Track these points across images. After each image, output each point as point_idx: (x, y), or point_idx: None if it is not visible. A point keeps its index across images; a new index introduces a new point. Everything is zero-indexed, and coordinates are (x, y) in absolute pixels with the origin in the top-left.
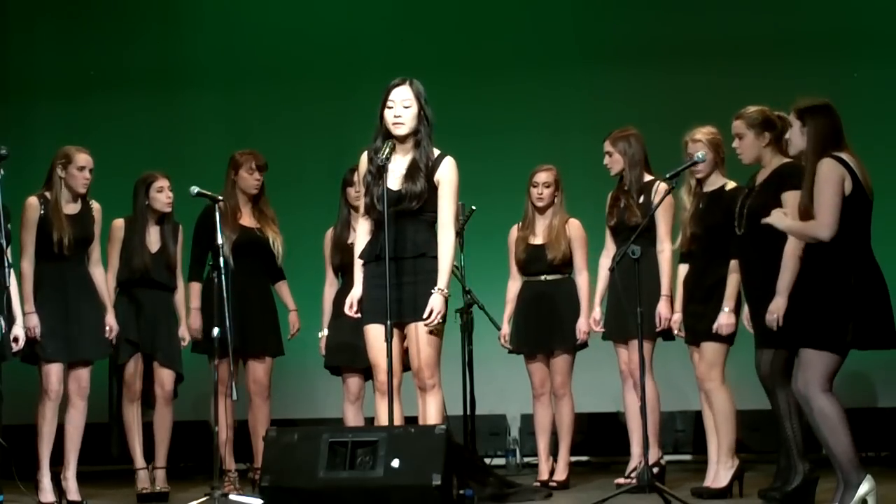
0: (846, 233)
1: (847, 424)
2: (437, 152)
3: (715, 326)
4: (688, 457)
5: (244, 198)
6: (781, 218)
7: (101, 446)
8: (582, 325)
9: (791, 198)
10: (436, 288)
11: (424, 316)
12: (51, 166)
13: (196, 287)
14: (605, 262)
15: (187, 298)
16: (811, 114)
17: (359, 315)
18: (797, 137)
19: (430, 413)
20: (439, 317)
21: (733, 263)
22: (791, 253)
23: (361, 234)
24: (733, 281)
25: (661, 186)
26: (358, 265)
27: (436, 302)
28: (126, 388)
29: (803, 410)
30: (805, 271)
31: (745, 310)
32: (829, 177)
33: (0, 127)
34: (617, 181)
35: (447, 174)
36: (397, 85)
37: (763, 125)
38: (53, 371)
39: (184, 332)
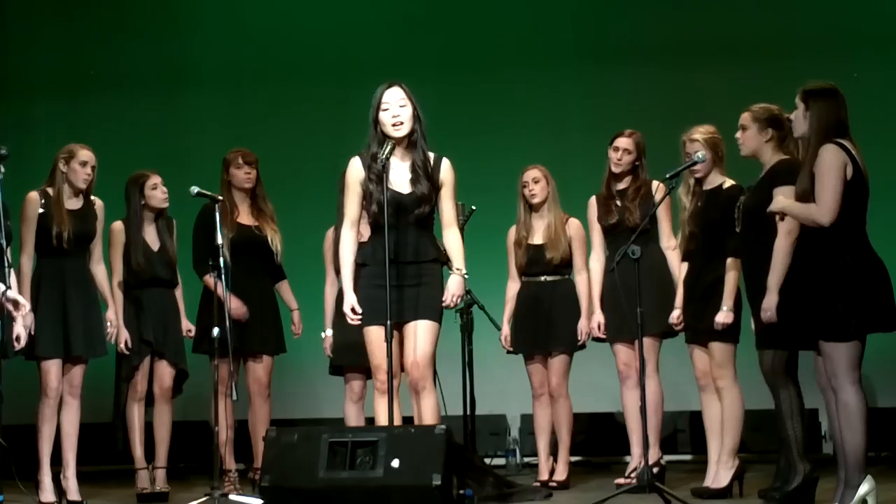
0: (843, 219)
1: (866, 423)
2: (431, 154)
3: (716, 325)
4: (688, 457)
5: (241, 195)
6: (780, 200)
7: (101, 446)
8: (583, 326)
9: (783, 193)
10: (454, 268)
11: (444, 299)
12: (54, 162)
13: (211, 280)
14: (597, 266)
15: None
16: (814, 97)
17: (360, 321)
18: (800, 121)
19: (426, 415)
20: (458, 299)
21: (731, 262)
22: (781, 249)
23: (348, 242)
24: (731, 279)
25: (660, 186)
26: (350, 271)
27: (454, 282)
28: (132, 387)
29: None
30: (803, 262)
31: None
32: (832, 163)
33: (0, 127)
34: (604, 182)
35: (450, 176)
36: (388, 87)
37: (768, 122)
38: (52, 369)
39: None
